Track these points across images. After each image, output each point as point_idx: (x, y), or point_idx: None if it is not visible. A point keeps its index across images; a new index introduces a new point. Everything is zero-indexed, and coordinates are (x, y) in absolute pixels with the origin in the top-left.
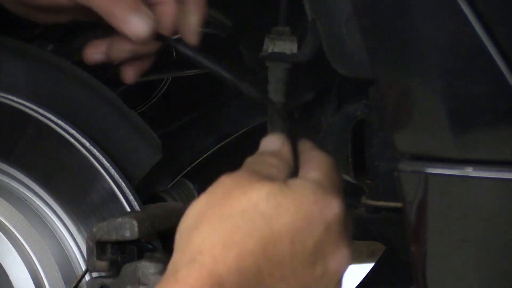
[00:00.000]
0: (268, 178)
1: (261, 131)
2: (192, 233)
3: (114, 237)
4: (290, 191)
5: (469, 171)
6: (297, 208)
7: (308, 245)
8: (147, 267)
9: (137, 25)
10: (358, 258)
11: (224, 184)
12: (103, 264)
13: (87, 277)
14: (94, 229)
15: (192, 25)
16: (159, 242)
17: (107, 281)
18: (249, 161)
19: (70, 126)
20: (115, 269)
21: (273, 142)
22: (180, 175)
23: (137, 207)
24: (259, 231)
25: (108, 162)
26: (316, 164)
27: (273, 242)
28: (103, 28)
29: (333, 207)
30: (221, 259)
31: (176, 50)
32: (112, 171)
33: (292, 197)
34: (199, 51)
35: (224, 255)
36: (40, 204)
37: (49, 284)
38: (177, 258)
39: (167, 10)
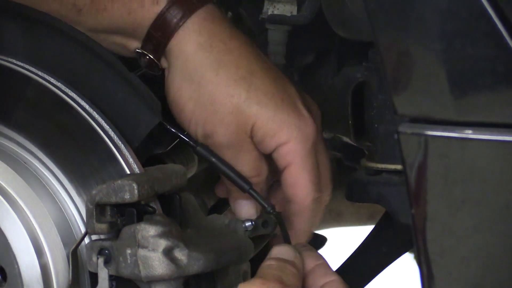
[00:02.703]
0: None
1: None
2: None
3: (113, 199)
4: None
5: (469, 134)
6: None
7: None
8: (146, 230)
9: (243, 210)
10: (357, 221)
11: None
12: (103, 226)
13: (86, 240)
14: (94, 192)
15: (304, 232)
16: (158, 205)
17: (107, 243)
18: (271, 266)
19: (69, 89)
20: (114, 231)
21: (287, 251)
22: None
23: (136, 170)
24: None
25: (108, 124)
26: None
27: None
28: None
29: None
30: None
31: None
32: (112, 133)
33: None
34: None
35: None
36: (39, 167)
37: (48, 247)
38: None
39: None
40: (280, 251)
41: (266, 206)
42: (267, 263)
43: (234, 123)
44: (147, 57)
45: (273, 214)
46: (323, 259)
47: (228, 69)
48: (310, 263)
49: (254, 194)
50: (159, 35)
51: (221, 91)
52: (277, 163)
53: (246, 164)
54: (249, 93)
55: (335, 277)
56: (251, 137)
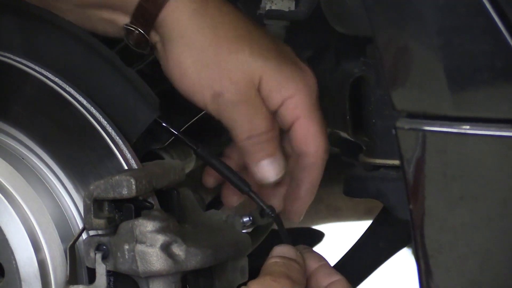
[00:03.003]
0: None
1: None
2: None
3: (111, 195)
4: None
5: (467, 129)
6: None
7: None
8: (144, 225)
9: (273, 167)
10: (355, 216)
11: None
12: (101, 222)
13: (84, 235)
14: (92, 187)
15: (299, 210)
16: (156, 200)
17: (104, 239)
18: (277, 263)
19: (67, 84)
20: (112, 227)
21: (288, 251)
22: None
23: (134, 165)
24: None
25: (106, 119)
26: None
27: None
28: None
29: None
30: None
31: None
32: (110, 128)
33: None
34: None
35: None
36: (37, 162)
37: (46, 242)
38: None
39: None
40: (281, 250)
41: (265, 207)
42: (273, 260)
43: (242, 79)
44: (136, 32)
45: (272, 216)
46: (325, 260)
47: (226, 29)
48: (313, 263)
49: (254, 196)
50: (150, 5)
51: (224, 49)
52: (284, 119)
53: (263, 118)
54: (252, 49)
55: (339, 277)
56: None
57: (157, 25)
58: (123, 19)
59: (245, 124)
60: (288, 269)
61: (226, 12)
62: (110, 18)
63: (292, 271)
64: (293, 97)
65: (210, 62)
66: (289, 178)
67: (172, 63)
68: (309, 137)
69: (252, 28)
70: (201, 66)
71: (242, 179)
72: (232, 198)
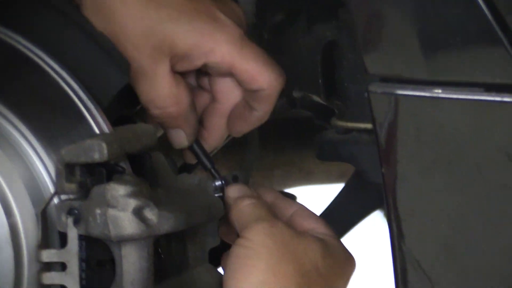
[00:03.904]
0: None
1: None
2: None
3: (83, 159)
4: (334, 253)
5: (439, 93)
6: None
7: None
8: (116, 189)
9: (176, 138)
10: (327, 179)
11: (277, 235)
12: (72, 186)
13: (55, 200)
14: (63, 152)
15: (243, 130)
16: (128, 164)
17: (76, 203)
18: (256, 205)
19: (38, 48)
20: (84, 191)
21: (246, 189)
22: None
23: (106, 129)
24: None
25: (77, 84)
26: (320, 221)
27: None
28: None
29: (354, 264)
30: None
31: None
32: (81, 93)
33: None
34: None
35: None
36: (7, 127)
37: (17, 207)
38: None
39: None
40: (240, 190)
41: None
42: (248, 201)
43: (148, 45)
44: None
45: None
46: (299, 204)
47: None
48: (289, 208)
49: (214, 173)
50: None
51: (130, 17)
52: (220, 72)
53: (162, 88)
54: (159, 12)
55: (319, 220)
56: (172, 57)
57: None
58: None
59: (143, 96)
60: (269, 209)
61: None
62: None
63: (271, 210)
64: (214, 50)
65: (118, 31)
66: (242, 100)
67: None
68: (255, 75)
69: None
70: (110, 36)
71: (207, 155)
72: None
